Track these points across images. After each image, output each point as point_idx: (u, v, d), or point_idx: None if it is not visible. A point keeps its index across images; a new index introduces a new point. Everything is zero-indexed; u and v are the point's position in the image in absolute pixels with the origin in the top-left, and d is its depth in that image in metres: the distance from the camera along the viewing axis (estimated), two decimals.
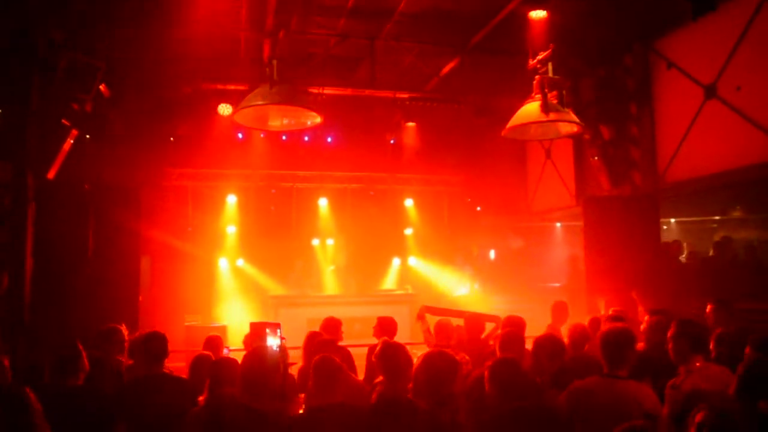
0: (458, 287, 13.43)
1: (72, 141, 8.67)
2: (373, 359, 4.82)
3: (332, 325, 6.53)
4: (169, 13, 8.41)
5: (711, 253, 10.59)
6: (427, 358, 3.83)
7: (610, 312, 7.05)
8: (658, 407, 3.82)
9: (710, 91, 8.13)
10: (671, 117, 9.03)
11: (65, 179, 8.61)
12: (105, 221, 8.49)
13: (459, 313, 7.83)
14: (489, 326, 6.92)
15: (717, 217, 16.18)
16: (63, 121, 8.41)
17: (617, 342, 4.01)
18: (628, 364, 3.97)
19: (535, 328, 7.16)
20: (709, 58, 8.10)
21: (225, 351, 6.78)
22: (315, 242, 14.48)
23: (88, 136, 9.40)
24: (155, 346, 5.00)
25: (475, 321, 6.64)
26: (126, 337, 5.84)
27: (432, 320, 6.91)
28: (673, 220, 16.37)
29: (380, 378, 4.75)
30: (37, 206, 8.07)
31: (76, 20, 8.23)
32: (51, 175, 8.40)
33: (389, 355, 4.41)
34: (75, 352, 4.45)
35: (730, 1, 7.43)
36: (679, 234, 15.64)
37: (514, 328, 5.70)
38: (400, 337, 6.42)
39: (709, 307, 6.22)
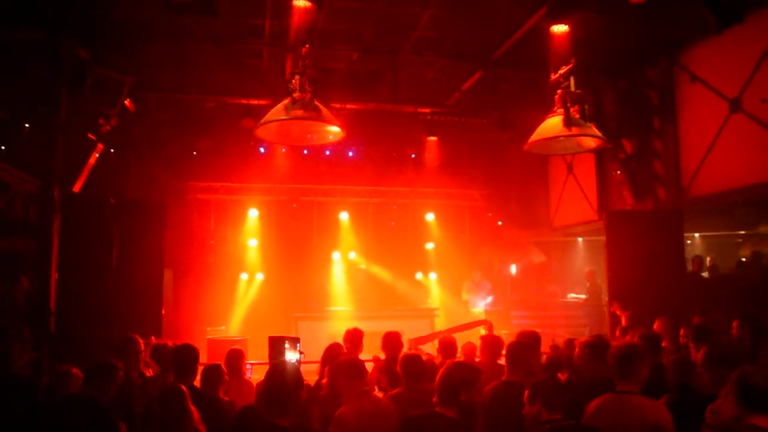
0: (476, 303, 13.34)
1: (97, 155, 8.80)
2: (397, 368, 4.88)
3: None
4: (193, 29, 8.53)
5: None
6: (447, 368, 3.85)
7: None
8: (666, 422, 3.79)
9: (735, 105, 8.05)
10: (695, 131, 8.95)
11: (90, 192, 8.74)
12: (129, 234, 8.58)
13: (446, 332, 7.91)
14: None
15: (742, 232, 15.98)
16: (89, 135, 8.55)
17: (625, 357, 4.02)
18: (638, 379, 3.97)
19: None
20: (734, 71, 8.03)
21: (247, 366, 6.81)
22: (336, 256, 14.49)
23: (113, 150, 9.54)
24: (185, 358, 5.00)
25: (492, 342, 6.52)
26: (143, 348, 5.87)
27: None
28: (697, 235, 16.19)
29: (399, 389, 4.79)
30: (62, 218, 8.19)
31: (102, 37, 8.37)
32: (77, 188, 8.53)
33: (409, 363, 4.71)
34: (108, 363, 4.54)
35: (755, 14, 7.37)
36: (703, 249, 15.48)
37: (524, 339, 5.65)
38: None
39: (735, 323, 6.14)
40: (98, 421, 3.50)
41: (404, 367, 4.85)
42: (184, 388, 3.88)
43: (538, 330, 6.45)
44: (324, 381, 4.63)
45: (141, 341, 5.86)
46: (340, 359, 4.60)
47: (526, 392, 3.83)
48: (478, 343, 6.95)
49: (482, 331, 8.41)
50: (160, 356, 5.91)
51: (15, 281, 7.56)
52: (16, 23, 7.81)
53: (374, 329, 10.81)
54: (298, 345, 5.89)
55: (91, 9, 7.82)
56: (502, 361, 6.32)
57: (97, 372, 4.57)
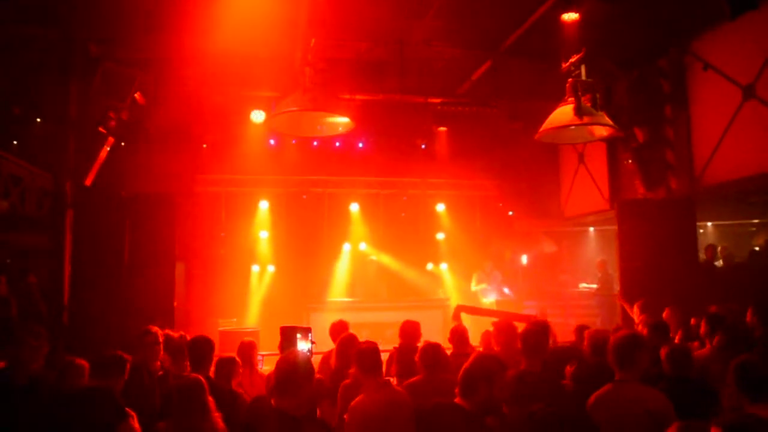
0: (487, 293, 13.34)
1: (108, 149, 8.84)
2: (416, 358, 4.89)
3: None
4: (203, 22, 8.52)
5: None
6: (471, 360, 3.86)
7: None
8: (667, 409, 3.83)
9: (749, 92, 7.97)
10: (708, 118, 8.87)
11: (102, 186, 8.78)
12: (140, 227, 8.62)
13: (494, 313, 7.82)
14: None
15: (756, 221, 15.87)
16: (100, 129, 8.58)
17: (624, 347, 4.07)
18: (638, 368, 4.03)
19: (564, 336, 7.11)
20: (748, 58, 7.95)
21: (259, 357, 6.84)
22: (346, 247, 14.50)
23: (123, 144, 9.57)
24: (201, 350, 5.05)
25: (506, 329, 6.52)
26: (160, 339, 5.88)
27: (467, 321, 6.88)
28: (710, 224, 16.10)
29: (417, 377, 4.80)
30: (75, 212, 8.23)
31: (112, 32, 8.39)
32: (88, 182, 8.58)
33: (429, 353, 4.73)
34: (116, 355, 4.57)
35: None
36: (716, 238, 15.37)
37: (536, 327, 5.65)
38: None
39: (748, 312, 6.10)
40: (106, 412, 3.54)
41: (424, 356, 4.84)
42: (203, 379, 3.91)
43: (550, 320, 6.43)
44: (351, 370, 4.63)
45: (158, 333, 5.87)
46: (359, 348, 4.60)
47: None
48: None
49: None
50: (168, 347, 5.94)
51: (27, 277, 7.62)
52: (27, 19, 7.85)
53: (385, 320, 10.91)
54: (309, 335, 5.91)
55: (101, 4, 7.83)
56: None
57: (105, 364, 4.60)
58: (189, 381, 3.92)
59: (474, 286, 13.47)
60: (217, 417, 3.84)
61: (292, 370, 3.69)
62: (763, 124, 7.79)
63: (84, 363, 4.86)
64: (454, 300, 13.59)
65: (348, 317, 6.95)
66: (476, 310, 7.83)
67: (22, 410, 4.14)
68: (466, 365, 3.85)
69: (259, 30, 8.29)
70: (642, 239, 9.23)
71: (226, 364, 5.21)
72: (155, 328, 5.77)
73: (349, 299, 13.36)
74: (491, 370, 3.78)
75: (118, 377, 4.51)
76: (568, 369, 4.85)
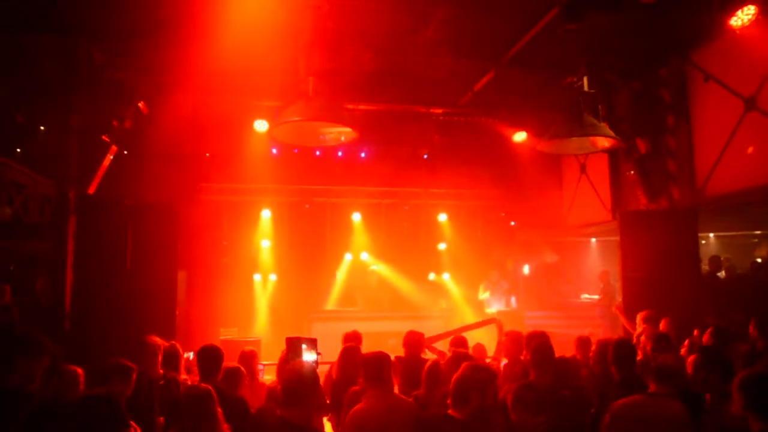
0: (491, 303, 13.32)
1: (111, 157, 8.86)
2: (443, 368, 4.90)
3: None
4: (207, 32, 8.56)
5: None
6: (461, 370, 3.87)
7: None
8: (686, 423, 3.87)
9: (750, 103, 7.98)
10: (710, 130, 8.88)
11: (105, 194, 8.79)
12: (143, 235, 8.62)
13: (454, 332, 7.89)
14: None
15: (758, 232, 15.85)
16: (103, 137, 8.60)
17: (670, 367, 4.18)
18: (673, 383, 4.07)
19: (566, 346, 7.08)
20: (749, 70, 7.96)
21: (260, 367, 6.83)
22: (348, 257, 14.49)
23: (126, 152, 9.59)
24: (210, 359, 5.07)
25: (515, 339, 6.50)
26: (160, 350, 5.86)
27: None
28: (712, 235, 16.07)
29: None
30: (77, 220, 8.24)
31: (117, 40, 8.42)
32: (91, 190, 8.59)
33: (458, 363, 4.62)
34: (120, 363, 4.56)
35: None
36: (718, 249, 15.35)
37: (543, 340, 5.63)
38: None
39: (751, 323, 6.10)
40: (105, 420, 3.53)
41: (452, 367, 4.84)
42: (211, 389, 3.90)
43: (551, 330, 6.41)
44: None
45: (157, 343, 5.85)
46: (364, 357, 4.59)
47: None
48: (487, 343, 6.95)
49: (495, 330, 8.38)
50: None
51: (32, 283, 7.61)
52: (32, 27, 7.88)
53: (387, 329, 10.87)
54: (316, 346, 5.90)
55: (106, 12, 7.87)
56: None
57: (107, 371, 4.59)
58: (199, 391, 3.91)
59: (481, 296, 13.47)
60: (226, 428, 3.83)
61: (298, 380, 3.69)
62: (765, 136, 7.80)
63: (79, 370, 4.85)
64: (456, 310, 13.59)
65: (350, 327, 6.95)
66: (440, 336, 7.98)
67: (17, 417, 4.13)
68: (456, 376, 3.85)
69: (263, 40, 8.32)
70: (644, 250, 9.22)
71: (232, 374, 5.21)
72: (154, 338, 5.77)
73: (352, 309, 13.34)
74: (482, 380, 3.78)
75: (121, 385, 4.50)
76: (576, 379, 4.86)
